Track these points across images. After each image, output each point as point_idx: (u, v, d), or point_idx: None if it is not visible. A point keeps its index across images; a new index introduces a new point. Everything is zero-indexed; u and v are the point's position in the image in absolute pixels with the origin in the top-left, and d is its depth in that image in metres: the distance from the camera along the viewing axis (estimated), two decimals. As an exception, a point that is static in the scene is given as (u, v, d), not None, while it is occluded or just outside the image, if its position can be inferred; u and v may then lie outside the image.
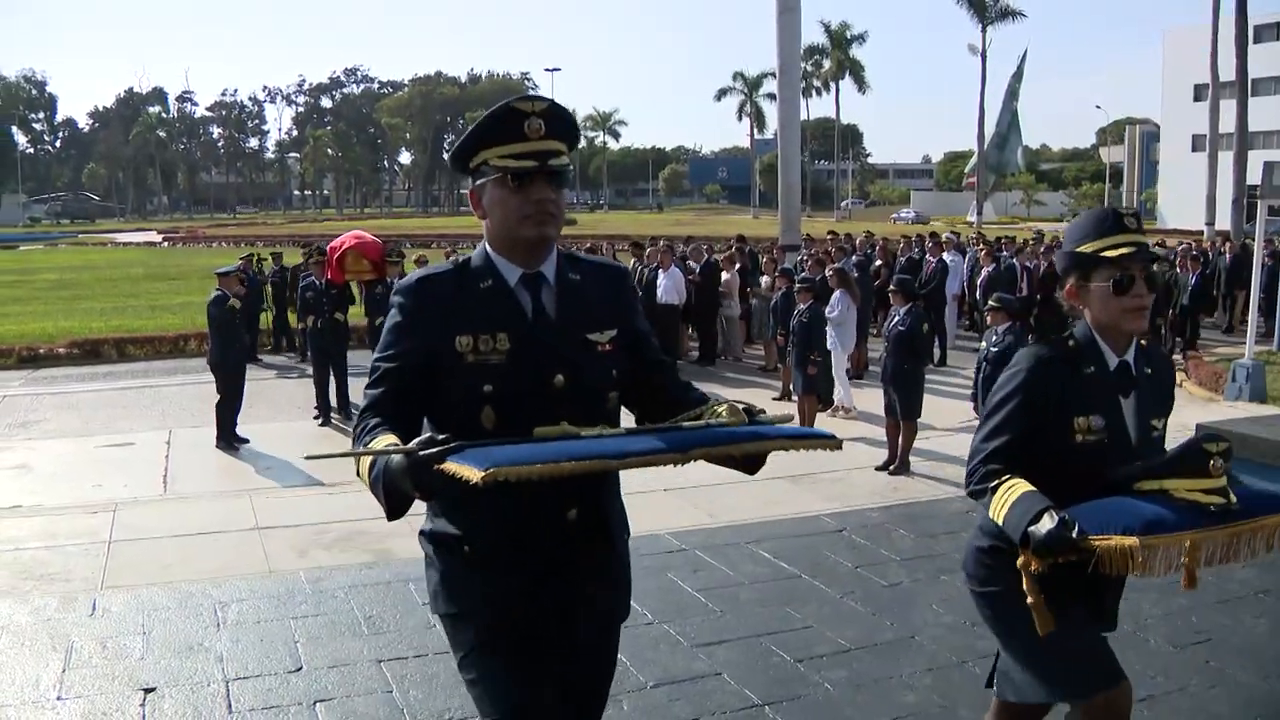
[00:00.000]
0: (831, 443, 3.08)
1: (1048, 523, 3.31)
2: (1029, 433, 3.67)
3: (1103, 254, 3.67)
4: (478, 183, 3.19)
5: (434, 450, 2.60)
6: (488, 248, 3.23)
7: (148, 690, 5.52)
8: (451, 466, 2.57)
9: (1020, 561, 3.45)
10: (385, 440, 2.85)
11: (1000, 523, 3.55)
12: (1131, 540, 3.24)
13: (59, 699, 5.41)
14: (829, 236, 26.60)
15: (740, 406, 3.04)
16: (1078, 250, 3.74)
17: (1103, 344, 3.74)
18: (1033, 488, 3.50)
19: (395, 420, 3.00)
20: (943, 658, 6.07)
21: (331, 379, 15.72)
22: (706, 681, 5.80)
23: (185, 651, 6.04)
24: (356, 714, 5.27)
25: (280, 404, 17.28)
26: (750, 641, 6.44)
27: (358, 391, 15.13)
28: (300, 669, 5.80)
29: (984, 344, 12.39)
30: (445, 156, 3.24)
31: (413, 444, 2.64)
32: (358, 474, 2.90)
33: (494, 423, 3.03)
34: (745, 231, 33.84)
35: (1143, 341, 3.86)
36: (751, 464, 3.04)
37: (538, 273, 3.19)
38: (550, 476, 2.57)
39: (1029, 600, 3.49)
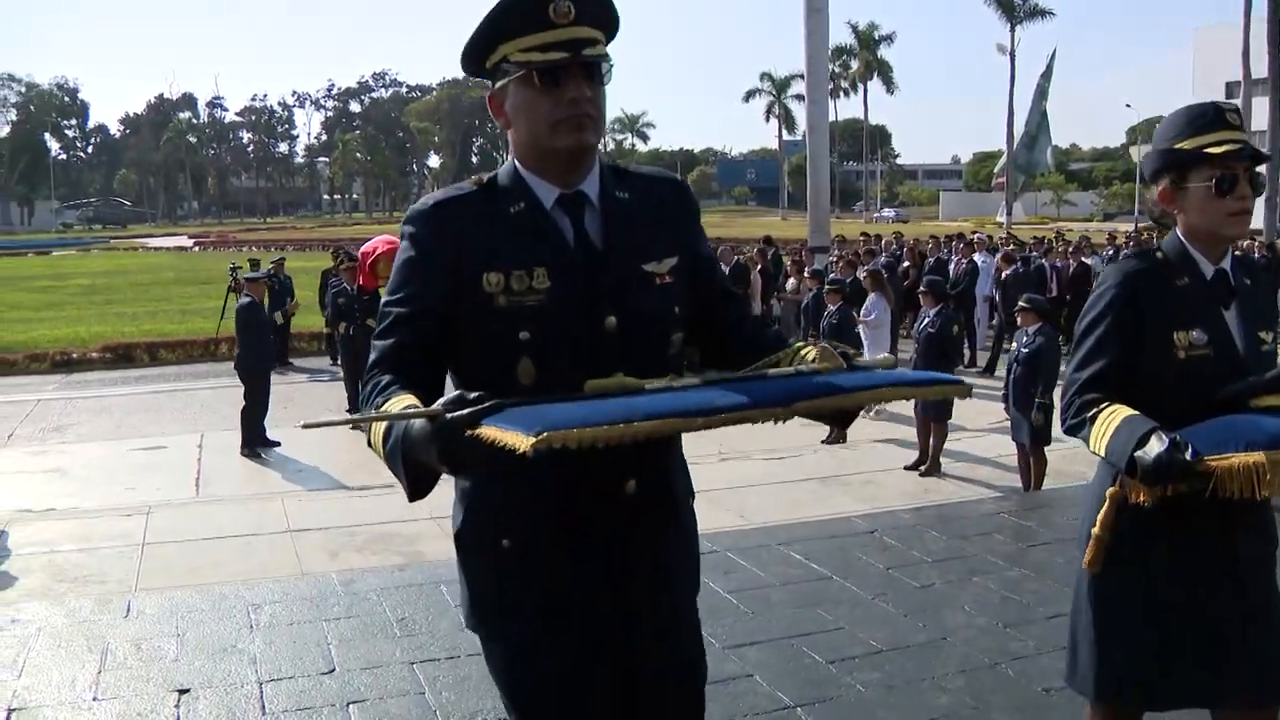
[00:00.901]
0: (960, 389, 2.45)
1: (1156, 445, 2.93)
2: (1125, 356, 3.25)
3: (1204, 150, 3.23)
4: (498, 85, 2.64)
5: (466, 412, 2.08)
6: (516, 163, 2.68)
7: (182, 691, 5.55)
8: (490, 432, 2.05)
9: (1119, 492, 3.15)
10: (402, 402, 2.34)
11: (1103, 454, 3.15)
12: (1256, 456, 2.83)
13: (95, 700, 5.45)
14: (861, 238, 26.52)
15: (835, 349, 2.49)
16: (1175, 147, 3.28)
17: (1195, 253, 3.31)
18: (1135, 412, 3.12)
19: (411, 377, 2.47)
20: (975, 659, 6.05)
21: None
22: (739, 683, 5.79)
23: (219, 653, 6.07)
24: (390, 715, 5.29)
25: (311, 407, 17.36)
26: (782, 643, 6.43)
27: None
28: (333, 671, 5.82)
29: (1014, 345, 12.36)
30: (461, 58, 2.45)
31: (438, 404, 2.13)
32: (369, 444, 2.38)
33: (533, 377, 2.51)
34: (774, 233, 33.82)
35: (1236, 252, 3.46)
36: (845, 418, 2.53)
37: (578, 192, 2.63)
38: (618, 441, 2.04)
39: (1094, 529, 3.23)
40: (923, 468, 12.08)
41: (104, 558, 9.52)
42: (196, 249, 79.95)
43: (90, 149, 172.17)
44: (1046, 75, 73.52)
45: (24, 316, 31.24)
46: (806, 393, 2.30)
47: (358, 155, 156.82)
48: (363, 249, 16.47)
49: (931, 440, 12.14)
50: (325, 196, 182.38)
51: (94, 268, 56.47)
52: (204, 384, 19.94)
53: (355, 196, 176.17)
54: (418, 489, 2.32)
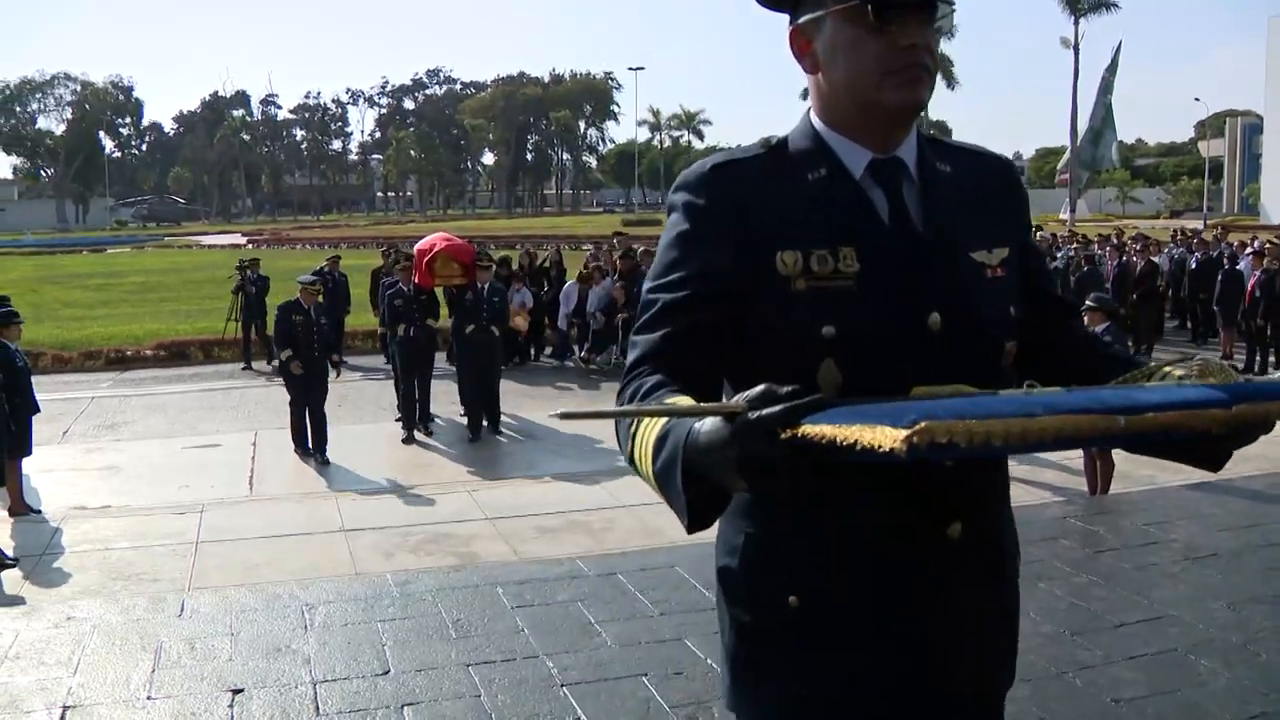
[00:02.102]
0: None
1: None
2: None
3: None
4: (805, 18, 2.13)
5: (779, 408, 1.61)
6: (815, 120, 2.19)
7: (236, 691, 5.58)
8: (822, 430, 1.57)
9: None
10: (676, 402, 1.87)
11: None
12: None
13: (149, 699, 5.49)
14: None
15: (1225, 363, 1.90)
16: None
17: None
18: None
19: (689, 378, 1.99)
20: (1041, 668, 5.97)
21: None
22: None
23: (273, 653, 6.10)
24: (444, 718, 5.30)
25: (364, 406, 17.47)
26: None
27: (440, 402, 15.25)
28: (388, 672, 5.84)
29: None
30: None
31: (738, 399, 1.65)
32: (630, 459, 1.93)
33: (837, 385, 2.00)
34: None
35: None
36: (1220, 457, 1.92)
37: (894, 158, 2.14)
38: (1022, 439, 1.53)
39: None
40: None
41: (158, 556, 9.62)
42: (250, 246, 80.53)
43: (144, 147, 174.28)
44: (1111, 69, 72.74)
45: (78, 314, 31.64)
46: (1246, 394, 1.68)
47: (411, 153, 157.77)
48: (418, 246, 16.42)
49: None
50: (379, 194, 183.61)
51: (148, 265, 57.16)
52: (258, 382, 20.13)
53: (409, 194, 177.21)
54: (700, 516, 1.81)
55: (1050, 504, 10.29)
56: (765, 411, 1.60)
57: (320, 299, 14.80)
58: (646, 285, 2.17)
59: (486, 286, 15.38)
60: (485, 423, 15.07)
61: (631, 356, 2.12)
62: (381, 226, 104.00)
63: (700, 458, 1.69)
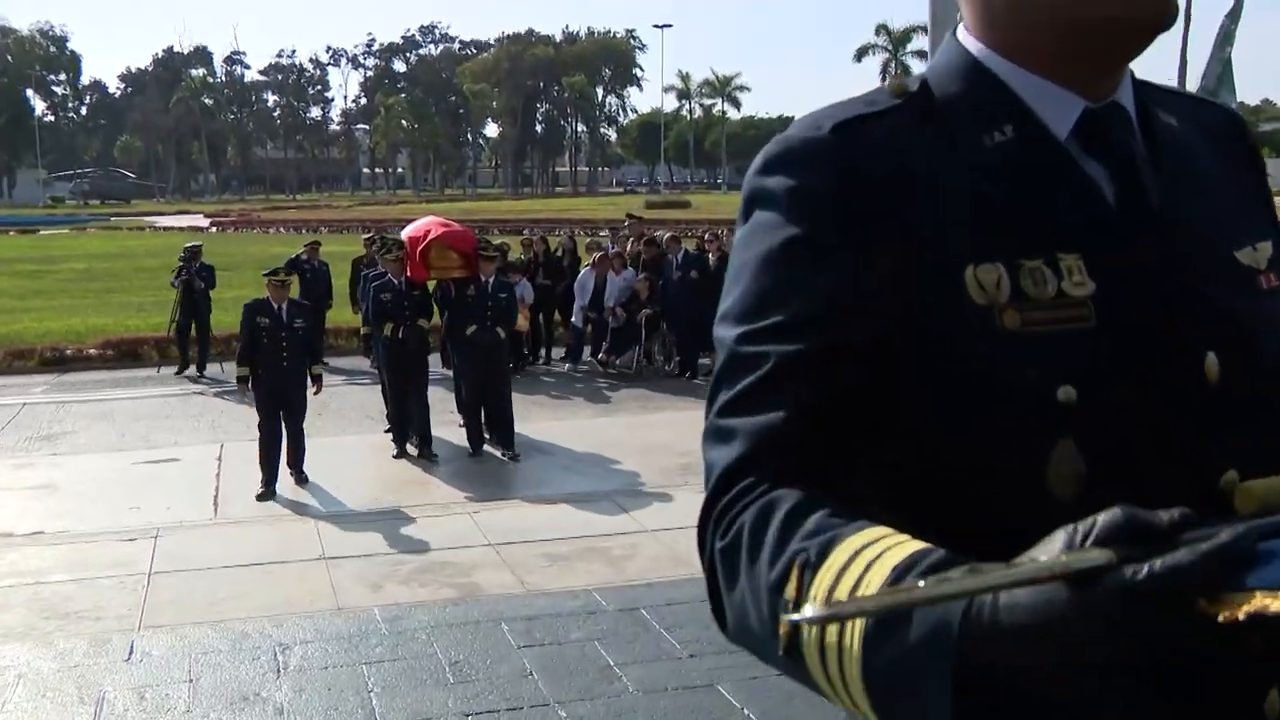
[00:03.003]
0: None
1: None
2: None
3: None
4: None
5: (1196, 556, 1.03)
6: (979, 48, 1.63)
7: (198, 745, 5.57)
8: None
9: None
10: (890, 552, 1.25)
11: None
12: None
13: (96, 754, 5.48)
14: None
15: None
16: None
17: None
18: None
19: (848, 485, 1.43)
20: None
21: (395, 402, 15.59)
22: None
23: (239, 702, 6.10)
24: (439, 777, 5.28)
25: (347, 415, 17.48)
26: None
27: (434, 409, 15.22)
28: (373, 723, 5.82)
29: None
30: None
31: (1093, 550, 1.08)
32: (786, 648, 1.29)
33: (1078, 481, 1.41)
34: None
35: None
36: None
37: (1114, 106, 1.58)
38: None
39: None
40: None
41: (101, 590, 9.60)
42: (214, 230, 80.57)
43: (85, 110, 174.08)
44: (1233, 15, 72.30)
45: (6, 306, 31.21)
46: None
47: (403, 122, 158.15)
48: (407, 233, 16.03)
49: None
50: (365, 170, 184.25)
51: (91, 249, 56.51)
52: (225, 386, 20.13)
53: (400, 171, 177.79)
54: None
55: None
56: (1169, 563, 1.03)
57: (293, 295, 14.34)
58: (730, 330, 1.56)
59: (491, 280, 15.14)
60: (487, 436, 14.97)
61: (723, 456, 1.51)
62: (368, 208, 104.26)
63: (1013, 651, 1.10)
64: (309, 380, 13.87)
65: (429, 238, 15.39)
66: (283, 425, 13.47)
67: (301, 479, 13.48)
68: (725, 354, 1.57)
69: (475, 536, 11.05)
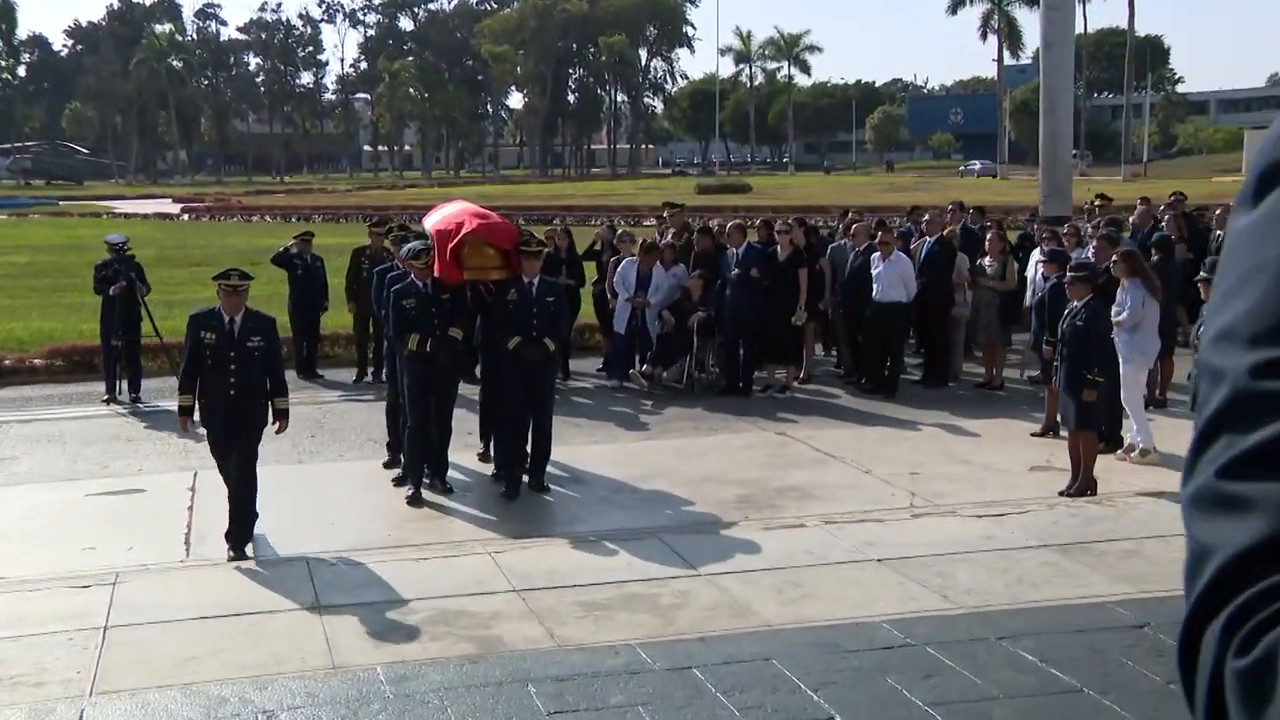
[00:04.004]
0: None
1: None
2: None
3: None
4: None
5: None
6: None
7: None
8: None
9: None
10: None
11: None
12: None
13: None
14: (1096, 202, 25.67)
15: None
16: None
17: None
18: None
19: None
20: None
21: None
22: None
23: (221, 774, 6.11)
24: None
25: (346, 436, 17.52)
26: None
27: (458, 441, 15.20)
28: (377, 802, 5.83)
29: None
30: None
31: None
32: None
33: None
34: (988, 197, 33.36)
35: None
36: None
37: None
38: None
39: None
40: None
41: (46, 648, 9.57)
42: (186, 217, 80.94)
43: (24, 71, 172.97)
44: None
45: (-66, 308, 30.59)
46: None
47: (410, 91, 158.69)
48: (433, 225, 15.25)
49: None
50: (365, 148, 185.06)
51: (36, 240, 56.22)
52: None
53: (407, 149, 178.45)
54: None
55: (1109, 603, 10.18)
56: None
57: (242, 309, 12.61)
58: (1240, 355, 1.29)
59: (536, 282, 14.70)
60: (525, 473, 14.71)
61: (1235, 535, 1.23)
62: (370, 192, 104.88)
63: None
64: (268, 415, 12.87)
65: (462, 231, 14.65)
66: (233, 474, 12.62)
67: (240, 554, 12.41)
68: (1230, 388, 1.29)
69: (497, 581, 11.05)
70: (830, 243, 22.16)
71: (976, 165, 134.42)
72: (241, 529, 12.45)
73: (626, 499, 14.13)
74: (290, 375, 21.37)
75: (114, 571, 11.46)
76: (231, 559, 12.15)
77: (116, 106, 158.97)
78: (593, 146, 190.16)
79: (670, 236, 22.14)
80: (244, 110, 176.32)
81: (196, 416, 12.74)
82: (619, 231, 23.65)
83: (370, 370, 21.20)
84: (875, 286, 19.56)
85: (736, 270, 19.86)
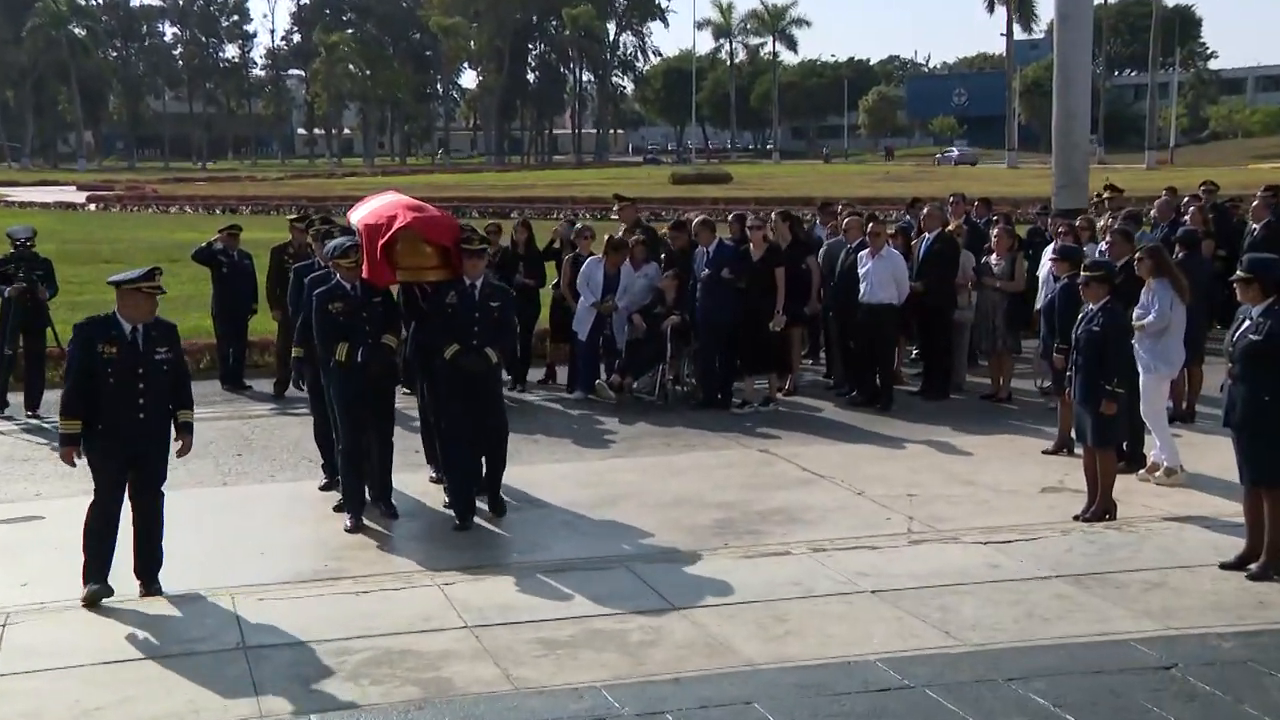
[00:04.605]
0: None
1: None
2: None
3: None
4: None
5: None
6: None
7: None
8: None
9: None
10: None
11: None
12: None
13: None
14: (1105, 194, 25.69)
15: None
16: None
17: None
18: None
19: None
20: None
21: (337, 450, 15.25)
22: None
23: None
24: None
25: (277, 455, 17.49)
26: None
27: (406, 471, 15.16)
28: None
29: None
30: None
31: None
32: None
33: None
34: (995, 188, 33.46)
35: None
36: None
37: None
38: None
39: None
40: (1253, 567, 11.82)
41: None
42: (93, 207, 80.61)
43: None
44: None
45: None
46: None
47: (350, 68, 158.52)
48: (359, 219, 14.73)
49: (1268, 518, 11.86)
50: (299, 131, 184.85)
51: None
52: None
53: (347, 132, 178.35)
54: None
55: (1130, 641, 10.26)
56: None
57: (153, 316, 12.09)
58: None
59: (479, 284, 14.43)
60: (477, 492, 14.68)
61: None
62: (304, 181, 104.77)
63: None
64: (167, 433, 12.27)
65: (395, 226, 14.27)
66: (133, 505, 12.18)
67: (152, 590, 12.10)
68: None
69: (447, 616, 11.05)
70: (808, 238, 22.12)
71: (954, 152, 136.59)
72: (150, 561, 12.10)
73: (591, 524, 14.11)
74: (214, 387, 21.49)
75: (3, 612, 11.34)
76: (143, 595, 11.91)
77: (8, 79, 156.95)
78: (555, 131, 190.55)
79: (622, 234, 21.79)
80: (159, 86, 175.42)
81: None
82: (578, 226, 23.26)
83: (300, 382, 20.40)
84: (863, 286, 19.57)
85: (707, 270, 19.71)
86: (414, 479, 15.40)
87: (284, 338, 21.29)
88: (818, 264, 20.96)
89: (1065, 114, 23.39)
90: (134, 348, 11.74)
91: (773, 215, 22.21)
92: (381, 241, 14.22)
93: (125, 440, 11.81)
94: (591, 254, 21.34)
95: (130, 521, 12.13)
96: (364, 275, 14.24)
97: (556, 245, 22.64)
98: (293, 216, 24.22)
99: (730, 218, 22.10)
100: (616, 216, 23.77)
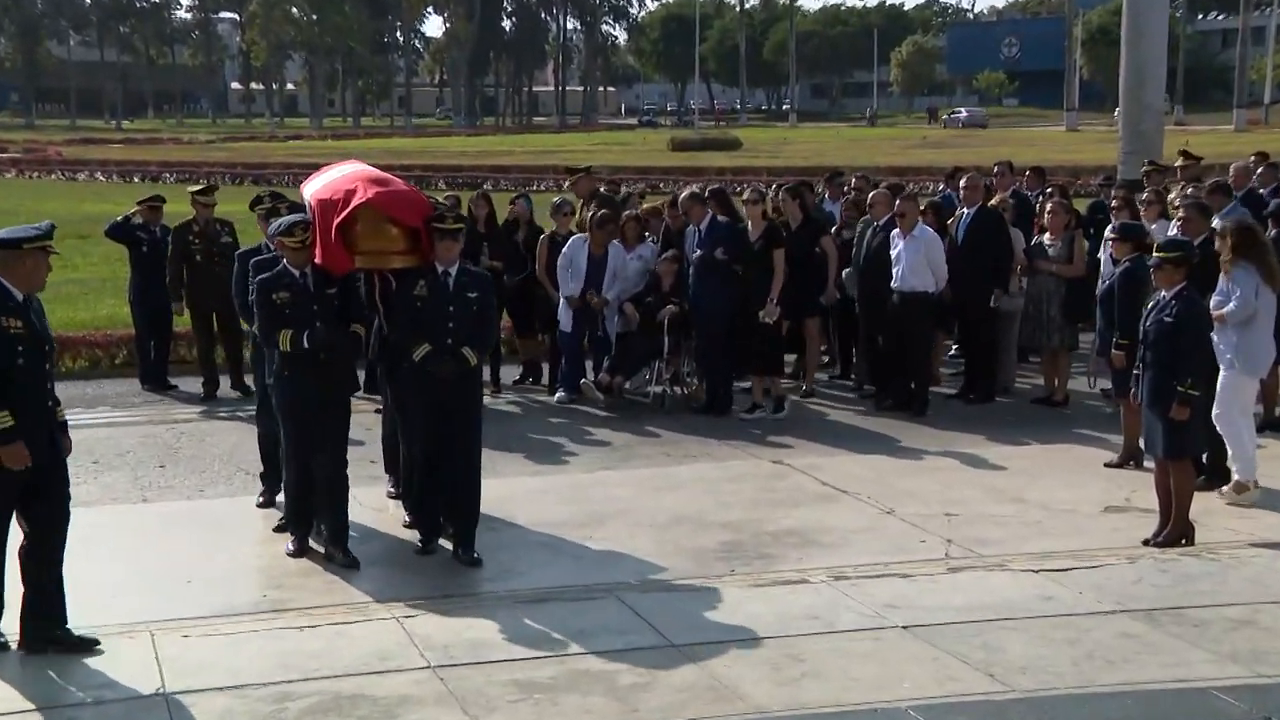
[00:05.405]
0: None
1: None
2: None
3: None
4: None
5: None
6: None
7: None
8: None
9: None
10: None
11: None
12: None
13: None
14: (1181, 162, 25.62)
15: None
16: None
17: None
18: None
19: None
20: None
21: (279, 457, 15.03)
22: None
23: None
24: None
25: (209, 465, 17.50)
26: None
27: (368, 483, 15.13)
28: None
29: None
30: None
31: None
32: None
33: None
34: (1052, 155, 33.42)
35: None
36: None
37: None
38: None
39: None
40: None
41: None
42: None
43: None
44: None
45: None
46: None
47: (293, 11, 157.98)
48: (314, 194, 14.29)
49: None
50: (234, 86, 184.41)
51: None
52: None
53: (291, 88, 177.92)
54: None
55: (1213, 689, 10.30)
56: None
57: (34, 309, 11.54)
58: None
59: (454, 272, 14.03)
60: (444, 521, 14.52)
61: None
62: (239, 145, 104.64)
63: None
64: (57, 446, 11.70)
65: (354, 202, 13.82)
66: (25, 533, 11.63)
67: (40, 645, 11.53)
68: None
69: (407, 655, 11.08)
70: (817, 213, 22.06)
71: (963, 113, 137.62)
72: (54, 596, 11.59)
73: (575, 547, 14.14)
74: (133, 386, 21.53)
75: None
76: (29, 651, 11.43)
77: None
78: (535, 89, 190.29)
79: (582, 209, 21.78)
80: (62, 30, 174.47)
81: None
82: (556, 200, 22.68)
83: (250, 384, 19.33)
84: (895, 271, 19.57)
85: (698, 251, 19.69)
86: (370, 493, 15.38)
87: (202, 330, 21.38)
88: (835, 244, 20.99)
89: (1136, 67, 23.43)
90: (34, 327, 11.27)
91: (773, 189, 21.94)
92: (337, 220, 13.76)
93: (38, 445, 11.23)
94: (573, 233, 21.15)
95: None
96: (316, 261, 13.80)
97: (515, 223, 22.27)
98: (196, 188, 23.12)
99: (707, 194, 20.90)
100: (574, 189, 23.31)
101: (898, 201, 20.08)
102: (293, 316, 13.53)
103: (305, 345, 13.46)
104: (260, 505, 15.40)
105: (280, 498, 15.03)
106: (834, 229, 21.41)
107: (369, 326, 14.59)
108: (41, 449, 11.22)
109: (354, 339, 14.03)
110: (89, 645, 11.33)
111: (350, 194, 13.92)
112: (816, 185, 24.98)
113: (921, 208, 20.39)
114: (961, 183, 21.48)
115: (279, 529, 14.48)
